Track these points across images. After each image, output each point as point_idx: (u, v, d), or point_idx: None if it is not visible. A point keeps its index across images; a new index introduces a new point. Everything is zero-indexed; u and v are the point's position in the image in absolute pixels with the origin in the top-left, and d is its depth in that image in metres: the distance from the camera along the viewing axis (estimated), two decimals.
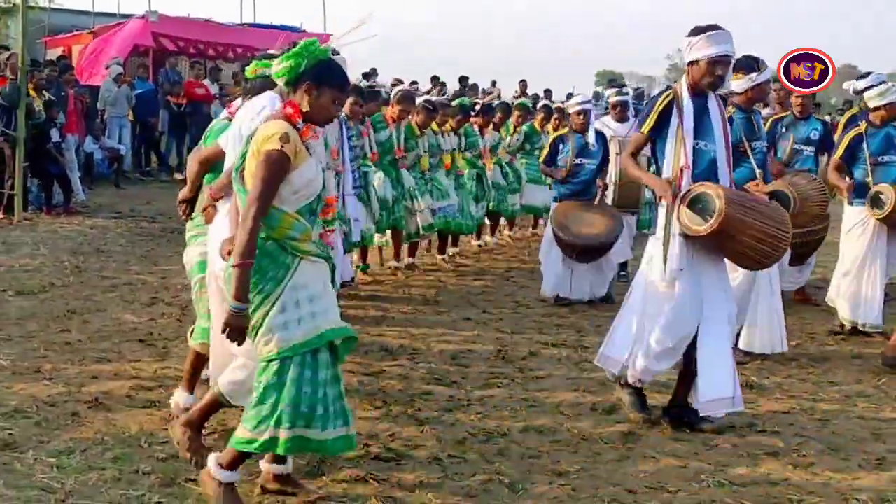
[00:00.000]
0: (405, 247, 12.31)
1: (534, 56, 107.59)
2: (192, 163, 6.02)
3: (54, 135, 15.74)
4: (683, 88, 6.54)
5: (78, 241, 13.28)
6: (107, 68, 21.12)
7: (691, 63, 6.51)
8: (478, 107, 14.17)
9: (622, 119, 12.08)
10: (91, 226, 14.66)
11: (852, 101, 32.33)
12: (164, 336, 8.41)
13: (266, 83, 5.64)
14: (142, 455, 5.72)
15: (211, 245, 5.47)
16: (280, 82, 4.91)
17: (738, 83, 8.05)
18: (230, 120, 5.87)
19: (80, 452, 5.70)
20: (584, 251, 10.53)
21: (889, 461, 6.25)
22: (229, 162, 5.45)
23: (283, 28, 26.15)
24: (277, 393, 4.69)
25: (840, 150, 9.39)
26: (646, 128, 6.62)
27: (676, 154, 6.47)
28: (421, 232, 11.85)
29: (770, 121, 9.92)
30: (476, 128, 13.70)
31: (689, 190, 6.38)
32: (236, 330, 4.67)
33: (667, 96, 6.59)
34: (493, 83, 28.70)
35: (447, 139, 12.71)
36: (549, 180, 15.14)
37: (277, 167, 4.62)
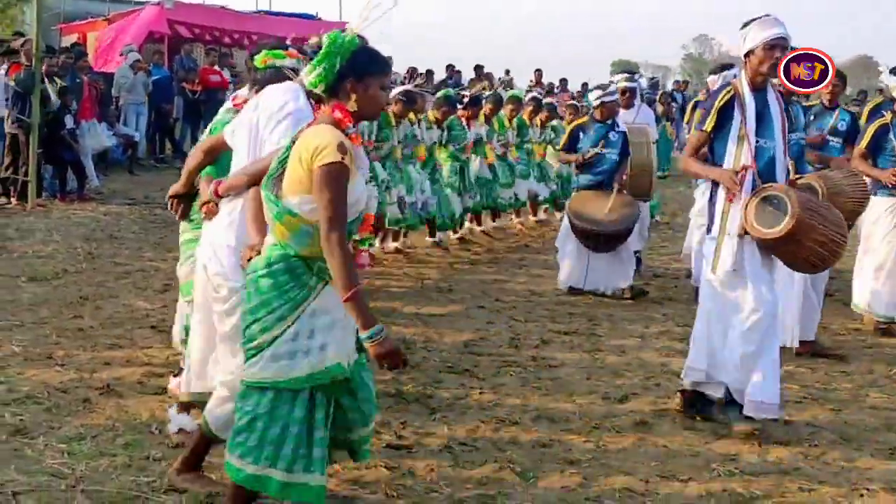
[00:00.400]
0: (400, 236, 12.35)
1: (534, 55, 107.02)
2: (195, 152, 5.50)
3: (68, 121, 15.75)
4: (743, 84, 6.39)
5: (91, 227, 13.31)
6: (122, 55, 21.14)
7: (748, 55, 6.35)
8: (465, 100, 13.98)
9: (628, 105, 12.02)
10: (104, 212, 14.69)
11: (867, 90, 32.35)
12: None
13: (277, 74, 5.31)
14: (152, 441, 5.74)
15: (205, 244, 5.19)
16: (318, 90, 4.38)
17: None
18: (236, 112, 5.46)
19: (90, 438, 5.72)
20: (600, 239, 10.44)
21: None
22: (239, 160, 5.05)
23: (298, 16, 26.17)
24: (266, 426, 4.32)
25: (865, 141, 9.29)
26: (708, 126, 6.46)
27: (738, 153, 6.34)
28: (387, 224, 11.76)
29: None
30: (463, 121, 13.46)
31: (757, 191, 6.24)
32: (390, 355, 4.17)
33: (727, 93, 6.42)
34: (507, 72, 28.70)
35: (425, 131, 12.54)
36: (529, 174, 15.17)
37: (342, 180, 4.16)
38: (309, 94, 4.97)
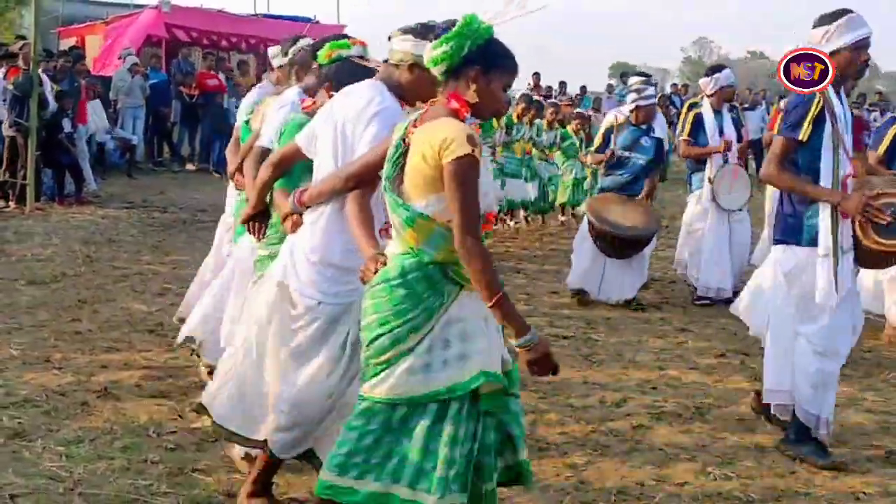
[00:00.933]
0: None
1: (528, 56, 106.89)
2: (264, 167, 5.04)
3: (66, 125, 15.77)
4: (828, 88, 5.91)
5: (90, 230, 13.33)
6: (120, 58, 21.17)
7: (832, 55, 5.89)
8: None
9: None
10: (103, 216, 14.71)
11: (865, 94, 32.37)
12: (174, 326, 8.39)
13: (345, 65, 4.91)
14: (150, 445, 5.74)
15: (283, 258, 4.71)
16: (436, 71, 3.95)
17: None
18: (306, 115, 5.03)
19: (88, 442, 5.73)
20: (616, 242, 10.17)
21: None
22: (325, 166, 4.59)
23: (296, 19, 26.20)
24: (395, 441, 3.92)
25: (883, 147, 9.25)
26: (803, 135, 5.87)
27: (835, 161, 5.87)
28: None
29: None
30: None
31: (875, 197, 5.81)
32: (542, 360, 3.87)
33: (819, 100, 5.88)
34: None
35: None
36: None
37: (475, 176, 3.77)
38: (391, 90, 4.58)
